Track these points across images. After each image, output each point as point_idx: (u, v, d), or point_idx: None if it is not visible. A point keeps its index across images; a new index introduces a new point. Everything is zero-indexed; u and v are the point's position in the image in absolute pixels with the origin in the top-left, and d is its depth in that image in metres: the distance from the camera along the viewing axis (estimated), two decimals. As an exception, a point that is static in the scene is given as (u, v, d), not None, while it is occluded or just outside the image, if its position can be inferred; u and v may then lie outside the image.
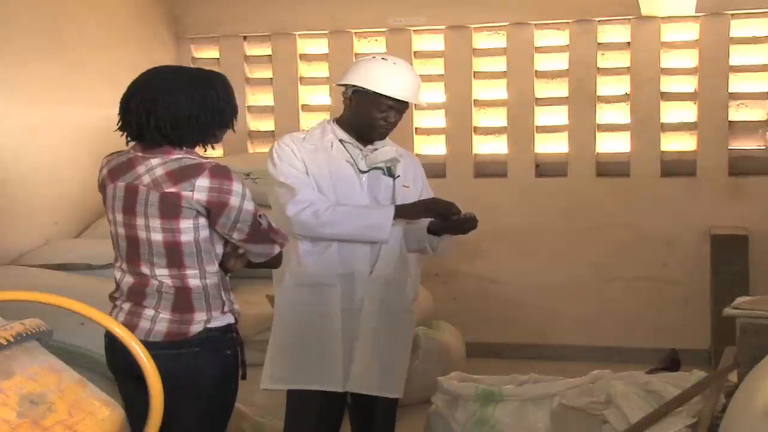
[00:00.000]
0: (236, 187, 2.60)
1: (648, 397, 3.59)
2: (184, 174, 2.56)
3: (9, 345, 1.48)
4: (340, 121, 3.39)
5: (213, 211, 2.58)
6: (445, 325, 5.46)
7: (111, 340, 2.72)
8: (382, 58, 3.35)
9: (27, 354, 1.53)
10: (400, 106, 3.29)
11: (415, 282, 3.46)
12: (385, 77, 3.25)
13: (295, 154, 3.28)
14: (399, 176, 3.38)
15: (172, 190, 2.55)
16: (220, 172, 2.58)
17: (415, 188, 3.45)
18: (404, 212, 3.28)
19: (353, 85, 3.29)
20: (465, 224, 3.28)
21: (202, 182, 2.55)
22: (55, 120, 5.13)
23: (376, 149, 3.37)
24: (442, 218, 3.28)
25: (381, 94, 3.24)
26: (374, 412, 3.44)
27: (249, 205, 2.63)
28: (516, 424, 3.82)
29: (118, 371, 2.75)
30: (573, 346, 5.89)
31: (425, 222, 3.35)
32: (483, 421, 3.85)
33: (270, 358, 3.38)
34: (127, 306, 2.67)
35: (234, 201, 2.59)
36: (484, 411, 3.86)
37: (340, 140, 3.34)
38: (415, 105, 3.55)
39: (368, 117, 3.29)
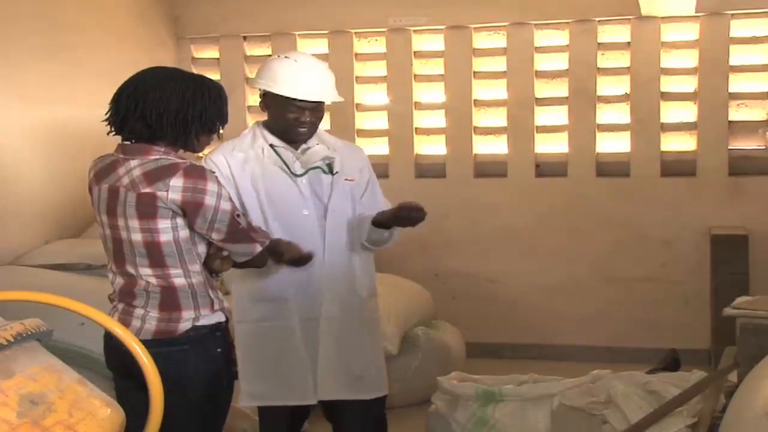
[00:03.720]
0: (211, 186, 2.60)
1: (648, 397, 3.58)
2: (159, 174, 2.57)
3: (9, 345, 1.48)
4: (268, 125, 3.27)
5: (189, 211, 2.59)
6: (445, 325, 5.46)
7: (106, 339, 2.74)
8: (286, 57, 3.22)
9: (27, 354, 1.53)
10: (313, 105, 3.16)
11: (364, 280, 3.34)
12: (289, 78, 3.13)
13: (221, 171, 3.12)
14: (338, 172, 3.27)
15: (148, 190, 2.57)
16: (193, 172, 2.59)
17: (362, 179, 3.34)
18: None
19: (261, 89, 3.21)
20: (412, 214, 3.17)
21: (176, 182, 2.56)
22: (55, 120, 5.13)
23: (309, 149, 3.25)
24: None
25: (287, 97, 3.13)
26: (348, 420, 3.35)
27: (226, 205, 2.63)
28: (516, 424, 3.82)
29: (114, 369, 2.77)
30: (573, 346, 5.89)
31: (369, 216, 3.26)
32: (483, 421, 3.85)
33: (241, 375, 3.19)
34: (121, 306, 2.70)
35: (209, 201, 2.59)
36: (484, 411, 3.86)
37: (271, 145, 3.22)
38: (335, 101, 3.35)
39: (283, 120, 3.18)
